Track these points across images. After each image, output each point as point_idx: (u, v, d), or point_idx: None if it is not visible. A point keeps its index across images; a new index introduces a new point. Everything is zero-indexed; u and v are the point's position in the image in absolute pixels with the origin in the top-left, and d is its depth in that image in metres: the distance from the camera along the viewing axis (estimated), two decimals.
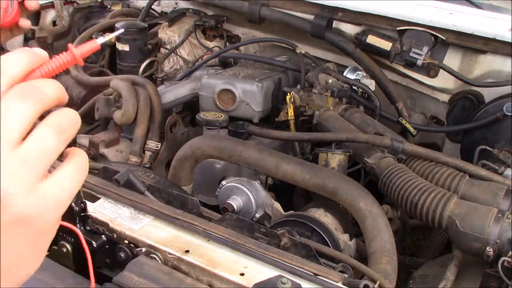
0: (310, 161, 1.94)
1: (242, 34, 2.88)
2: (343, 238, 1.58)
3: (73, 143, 2.26)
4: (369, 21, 2.38)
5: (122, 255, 1.18)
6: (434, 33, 2.24)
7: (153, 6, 2.97)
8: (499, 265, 1.27)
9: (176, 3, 3.06)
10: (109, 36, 0.71)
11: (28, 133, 0.55)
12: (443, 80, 2.31)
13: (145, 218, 1.26)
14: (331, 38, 2.40)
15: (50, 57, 0.60)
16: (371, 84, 2.32)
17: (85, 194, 1.26)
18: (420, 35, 2.25)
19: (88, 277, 1.09)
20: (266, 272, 1.10)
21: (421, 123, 2.44)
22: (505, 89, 2.16)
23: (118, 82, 2.18)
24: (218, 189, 1.69)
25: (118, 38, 2.57)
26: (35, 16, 3.04)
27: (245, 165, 1.77)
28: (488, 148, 1.92)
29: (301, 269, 1.11)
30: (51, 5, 3.04)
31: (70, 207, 1.18)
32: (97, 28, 2.79)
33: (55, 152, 0.56)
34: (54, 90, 0.58)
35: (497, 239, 1.40)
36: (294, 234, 1.33)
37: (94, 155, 2.16)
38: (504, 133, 2.03)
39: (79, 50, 0.61)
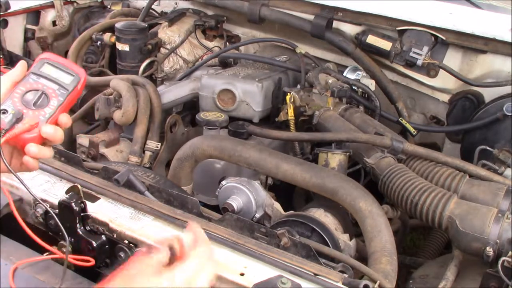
0: (310, 161, 1.94)
1: (242, 34, 2.88)
2: (343, 238, 1.58)
3: (73, 142, 2.28)
4: (369, 21, 2.38)
5: (122, 255, 1.18)
6: (434, 33, 2.24)
7: (153, 6, 2.97)
8: (499, 265, 1.26)
9: (176, 3, 3.06)
10: None
11: None
12: (443, 80, 2.31)
13: (145, 218, 1.26)
14: (331, 38, 2.40)
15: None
16: (371, 84, 2.32)
17: (85, 194, 1.26)
18: (420, 35, 2.25)
19: (88, 277, 1.10)
20: (266, 272, 1.10)
21: (421, 123, 2.44)
22: (505, 89, 2.16)
23: (118, 82, 2.18)
24: (218, 189, 1.69)
25: (118, 38, 2.57)
26: (35, 16, 3.04)
27: (245, 165, 1.77)
28: (488, 148, 1.92)
29: (301, 269, 1.11)
30: (51, 5, 3.04)
31: (70, 207, 1.18)
32: (97, 28, 2.79)
33: None
34: None
35: (497, 239, 1.40)
36: (294, 234, 1.33)
37: (94, 155, 2.16)
38: (504, 133, 2.03)
39: None
